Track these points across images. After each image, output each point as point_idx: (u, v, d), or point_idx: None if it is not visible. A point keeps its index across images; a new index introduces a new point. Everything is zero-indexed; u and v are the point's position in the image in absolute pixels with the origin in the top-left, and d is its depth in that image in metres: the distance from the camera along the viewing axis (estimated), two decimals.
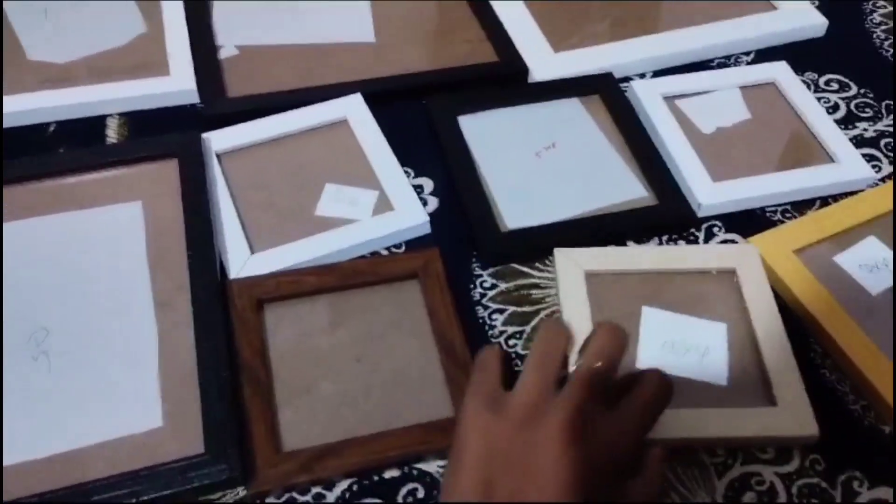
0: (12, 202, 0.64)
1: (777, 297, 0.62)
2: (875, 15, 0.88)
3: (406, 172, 0.70)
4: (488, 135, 0.73)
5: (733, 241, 0.67)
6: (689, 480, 0.53)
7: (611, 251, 0.64)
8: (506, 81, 0.78)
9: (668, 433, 0.53)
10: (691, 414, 0.54)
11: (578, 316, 0.59)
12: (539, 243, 0.64)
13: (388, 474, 0.53)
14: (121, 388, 0.54)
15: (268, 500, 0.52)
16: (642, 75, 0.80)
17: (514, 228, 0.66)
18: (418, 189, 0.69)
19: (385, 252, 0.65)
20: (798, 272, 0.62)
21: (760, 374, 0.57)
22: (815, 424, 0.54)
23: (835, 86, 0.80)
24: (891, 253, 0.63)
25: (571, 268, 0.62)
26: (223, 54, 0.78)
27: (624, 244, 0.66)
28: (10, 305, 0.58)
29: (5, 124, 0.71)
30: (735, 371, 0.57)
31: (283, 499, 0.52)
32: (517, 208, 0.67)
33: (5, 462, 0.51)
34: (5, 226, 0.62)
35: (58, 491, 0.49)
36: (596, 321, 0.59)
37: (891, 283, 0.62)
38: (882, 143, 0.74)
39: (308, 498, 0.52)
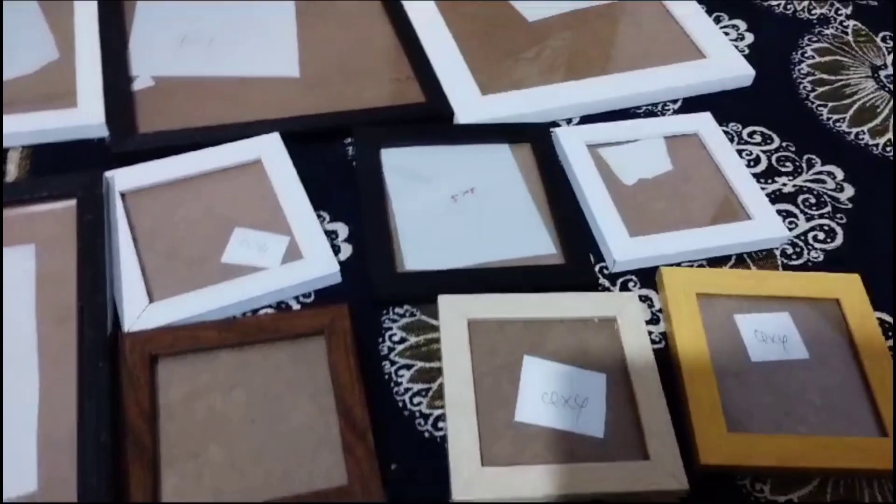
0: None
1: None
2: (803, 65, 0.89)
3: (321, 217, 0.68)
4: (409, 171, 0.71)
5: (647, 298, 0.66)
6: None
7: (496, 298, 0.62)
8: (430, 122, 0.76)
9: (539, 492, 0.52)
10: (565, 470, 0.53)
11: (460, 364, 0.58)
12: (435, 289, 0.62)
13: None
14: None
15: None
16: (569, 121, 0.79)
17: (411, 270, 0.64)
18: (332, 235, 0.67)
19: (294, 301, 0.63)
20: (689, 313, 0.62)
21: (636, 427, 0.57)
22: (685, 478, 0.54)
23: (758, 138, 0.80)
24: (798, 337, 0.63)
25: (454, 315, 0.60)
26: (137, 85, 0.76)
27: None
28: None
29: None
30: (612, 423, 0.57)
31: None
32: (420, 250, 0.66)
33: None
34: None
35: None
36: (478, 370, 0.58)
37: (775, 358, 0.61)
38: (799, 199, 0.75)
39: None
